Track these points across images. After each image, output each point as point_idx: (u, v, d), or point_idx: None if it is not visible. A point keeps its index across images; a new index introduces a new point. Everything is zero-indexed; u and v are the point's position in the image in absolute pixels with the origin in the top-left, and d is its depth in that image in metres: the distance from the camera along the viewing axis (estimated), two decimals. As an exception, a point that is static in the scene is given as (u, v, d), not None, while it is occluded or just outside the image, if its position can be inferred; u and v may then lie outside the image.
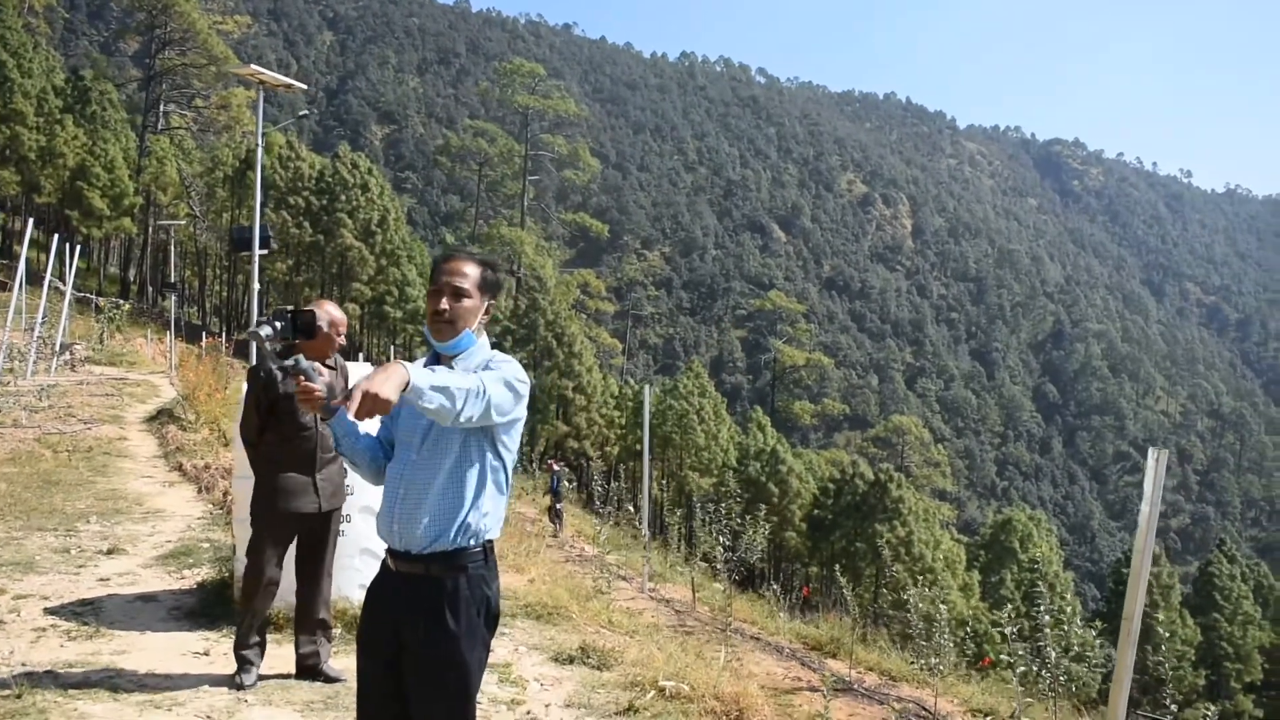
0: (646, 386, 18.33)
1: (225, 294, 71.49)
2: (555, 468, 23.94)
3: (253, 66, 14.66)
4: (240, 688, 5.82)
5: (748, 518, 17.08)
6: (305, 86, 18.10)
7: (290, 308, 3.62)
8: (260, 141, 15.51)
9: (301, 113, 60.05)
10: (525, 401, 3.34)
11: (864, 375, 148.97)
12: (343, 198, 56.11)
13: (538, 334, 49.96)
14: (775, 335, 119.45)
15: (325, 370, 3.18)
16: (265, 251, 15.62)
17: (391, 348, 54.37)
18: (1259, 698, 52.53)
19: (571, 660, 7.18)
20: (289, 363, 3.32)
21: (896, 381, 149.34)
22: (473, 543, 3.27)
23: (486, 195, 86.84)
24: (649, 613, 14.91)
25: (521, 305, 52.69)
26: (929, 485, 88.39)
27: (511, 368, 3.29)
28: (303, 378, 3.25)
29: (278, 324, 3.38)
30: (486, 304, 3.42)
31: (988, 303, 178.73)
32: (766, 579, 40.40)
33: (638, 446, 47.69)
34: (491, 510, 3.33)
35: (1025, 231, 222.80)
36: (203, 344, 37.86)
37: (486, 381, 3.08)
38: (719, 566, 15.32)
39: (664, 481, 56.75)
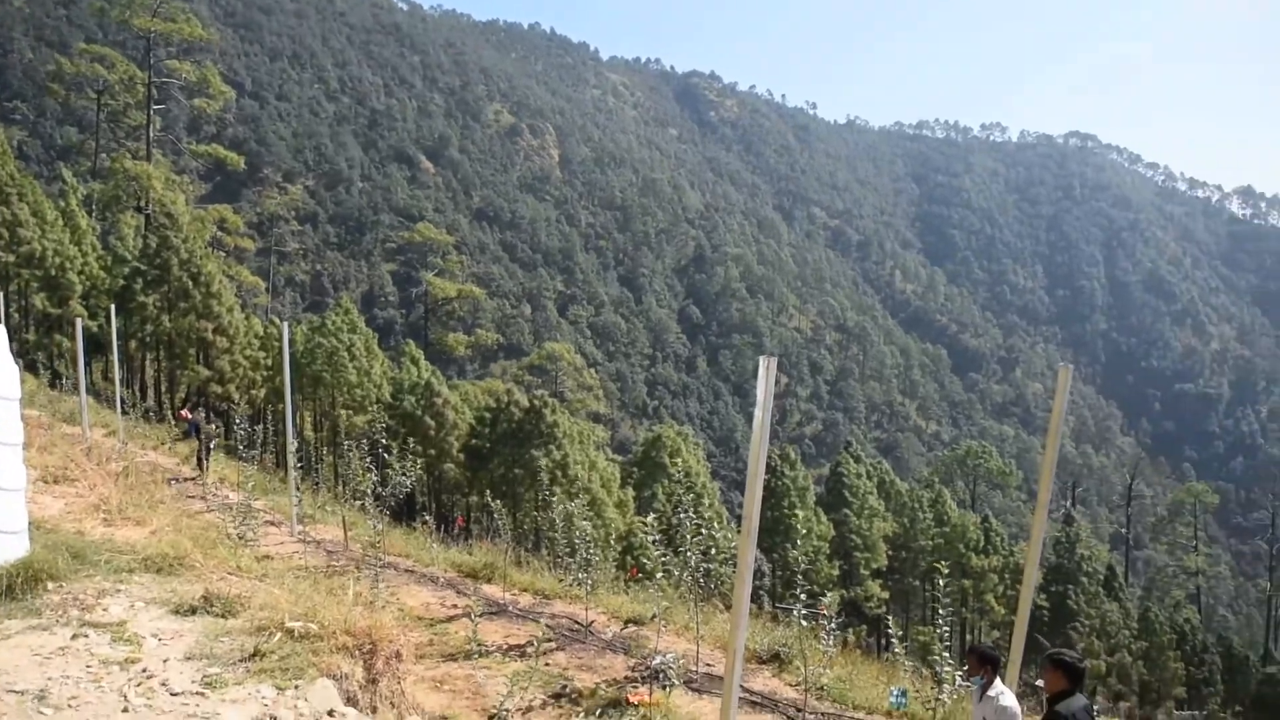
0: (285, 324, 17.68)
1: None
2: (188, 417, 22.75)
3: None
4: None
5: (402, 451, 16.92)
6: None
7: None
8: None
9: None
10: None
11: (517, 305, 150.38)
12: (-66, 129, 50.29)
13: (171, 274, 46.88)
14: (426, 268, 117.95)
15: None
16: None
17: (3, 294, 49.57)
18: (885, 581, 58.07)
19: (194, 611, 6.83)
20: None
21: (549, 310, 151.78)
22: None
23: (108, 126, 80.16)
24: (298, 555, 14.52)
25: (152, 244, 49.16)
26: (583, 409, 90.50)
27: None
28: None
29: None
30: None
31: (633, 230, 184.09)
32: (428, 511, 40.34)
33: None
34: None
35: (667, 161, 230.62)
36: None
37: None
38: (370, 504, 15.14)
39: (317, 421, 55.25)
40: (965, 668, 8.04)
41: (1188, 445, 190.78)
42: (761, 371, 5.93)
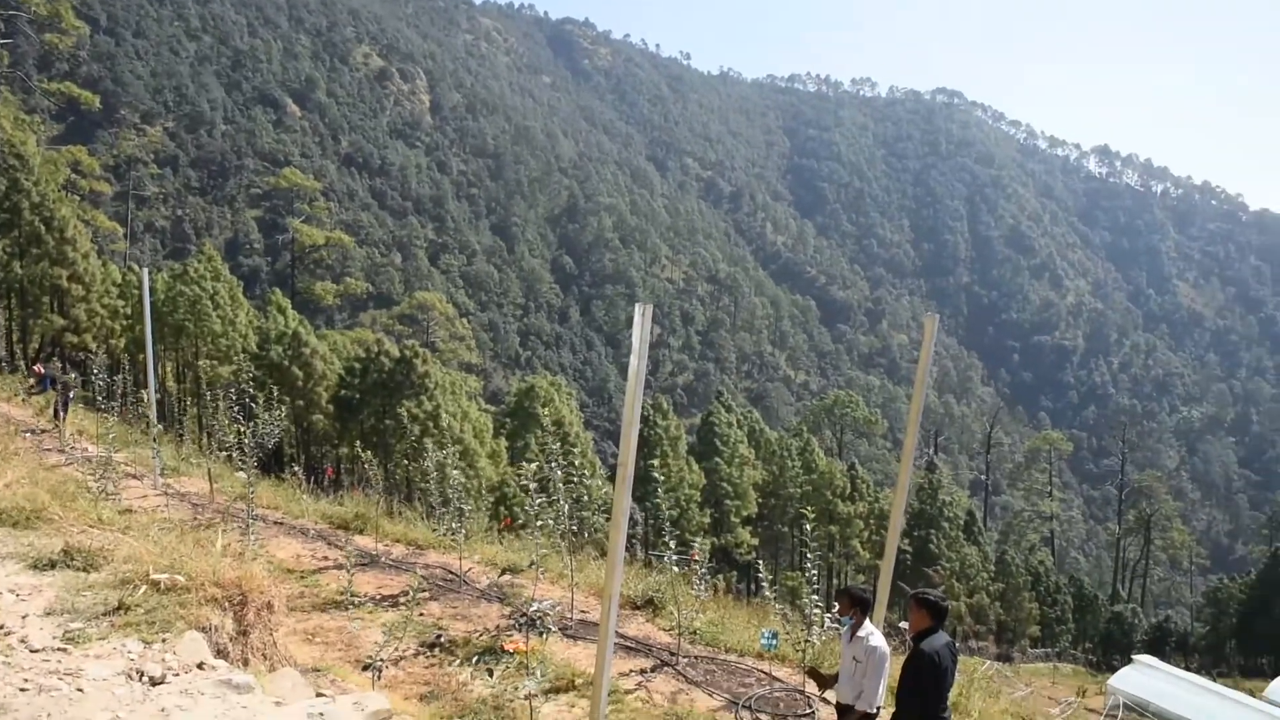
0: (145, 271, 17.09)
1: None
2: (42, 371, 21.98)
3: None
4: None
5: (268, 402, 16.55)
6: None
7: None
8: None
9: None
10: None
11: (387, 253, 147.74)
12: None
13: (22, 219, 44.84)
14: (293, 214, 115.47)
15: None
16: None
17: None
18: (754, 528, 59.17)
19: (53, 565, 6.58)
20: None
21: (420, 258, 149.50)
22: None
23: (-51, 61, 76.47)
24: (162, 509, 14.16)
25: (0, 187, 47.00)
26: (455, 359, 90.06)
27: None
28: None
29: None
30: None
31: (506, 179, 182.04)
32: (297, 463, 39.64)
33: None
34: None
35: (540, 109, 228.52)
36: None
37: None
38: (237, 455, 14.81)
39: (180, 372, 53.76)
40: (836, 609, 8.24)
41: (1044, 395, 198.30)
42: (637, 319, 5.96)
